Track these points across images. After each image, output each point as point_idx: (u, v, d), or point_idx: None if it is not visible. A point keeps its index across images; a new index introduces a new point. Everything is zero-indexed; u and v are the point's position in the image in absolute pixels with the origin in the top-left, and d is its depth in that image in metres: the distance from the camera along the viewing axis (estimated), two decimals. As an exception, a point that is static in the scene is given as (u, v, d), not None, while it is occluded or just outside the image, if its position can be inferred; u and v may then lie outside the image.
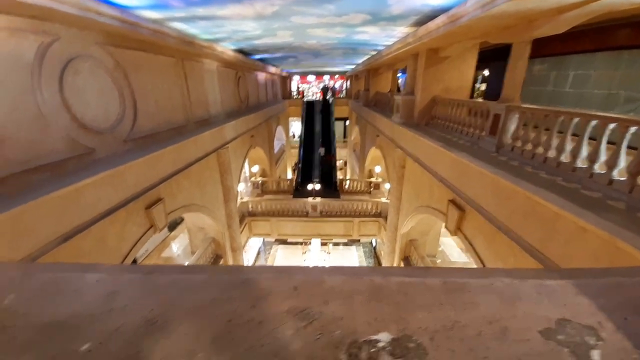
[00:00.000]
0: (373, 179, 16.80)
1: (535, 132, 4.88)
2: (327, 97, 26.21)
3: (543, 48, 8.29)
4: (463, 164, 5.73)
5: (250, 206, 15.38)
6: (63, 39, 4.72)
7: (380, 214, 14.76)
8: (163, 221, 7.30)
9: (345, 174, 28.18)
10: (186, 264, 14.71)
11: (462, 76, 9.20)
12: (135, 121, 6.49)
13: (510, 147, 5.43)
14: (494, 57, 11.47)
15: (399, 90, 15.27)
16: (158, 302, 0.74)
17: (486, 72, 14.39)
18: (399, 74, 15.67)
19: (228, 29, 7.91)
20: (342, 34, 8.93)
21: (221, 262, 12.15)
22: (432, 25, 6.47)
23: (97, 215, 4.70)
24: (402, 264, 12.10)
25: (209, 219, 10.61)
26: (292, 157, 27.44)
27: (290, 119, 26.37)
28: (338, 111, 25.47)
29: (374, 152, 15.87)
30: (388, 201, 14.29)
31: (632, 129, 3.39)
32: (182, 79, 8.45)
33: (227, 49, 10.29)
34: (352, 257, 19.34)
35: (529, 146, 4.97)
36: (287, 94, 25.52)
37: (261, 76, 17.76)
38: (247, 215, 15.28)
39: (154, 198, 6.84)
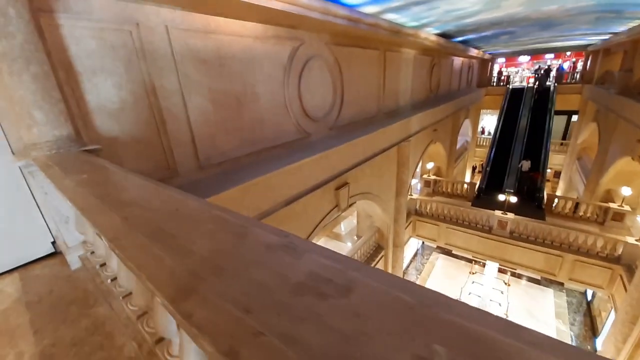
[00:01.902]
0: (613, 205, 11.29)
1: None
2: (546, 83, 19.35)
3: None
4: None
5: (418, 204, 14.50)
6: (306, 43, 5.71)
7: (618, 260, 9.78)
8: (345, 203, 7.97)
9: (555, 190, 20.83)
10: (349, 244, 16.11)
11: None
12: (340, 111, 7.22)
13: None
14: None
15: None
16: None
17: None
18: None
19: (439, 11, 7.17)
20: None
21: (381, 254, 12.29)
22: None
23: (308, 188, 5.60)
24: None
25: (379, 209, 10.79)
26: (477, 157, 23.27)
27: (482, 111, 22.20)
28: (559, 102, 18.71)
29: (625, 165, 10.51)
30: (644, 244, 9.21)
31: None
32: (381, 70, 8.65)
33: (429, 34, 9.59)
34: (546, 304, 14.22)
35: None
36: (485, 81, 21.27)
37: (457, 61, 15.75)
38: (414, 214, 14.52)
39: (342, 181, 7.54)
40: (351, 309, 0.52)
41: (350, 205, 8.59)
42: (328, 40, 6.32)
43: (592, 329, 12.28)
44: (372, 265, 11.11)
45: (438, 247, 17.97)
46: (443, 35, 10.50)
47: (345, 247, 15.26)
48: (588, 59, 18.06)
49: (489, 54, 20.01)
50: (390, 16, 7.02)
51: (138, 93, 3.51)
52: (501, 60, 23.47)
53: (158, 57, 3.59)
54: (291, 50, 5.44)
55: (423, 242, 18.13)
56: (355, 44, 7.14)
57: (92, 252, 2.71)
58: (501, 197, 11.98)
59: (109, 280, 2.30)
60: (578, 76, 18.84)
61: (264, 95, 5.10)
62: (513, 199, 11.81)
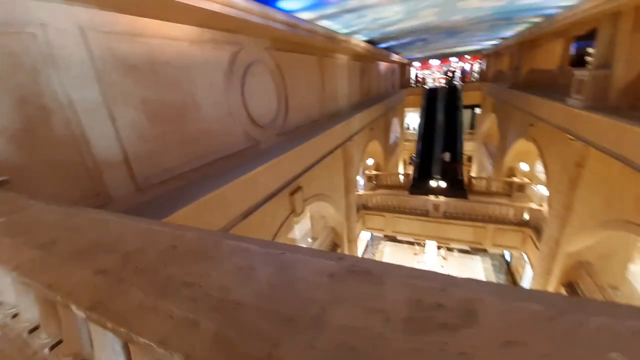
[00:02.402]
0: (515, 179, 13.76)
1: None
2: (453, 83, 22.83)
3: None
4: None
5: (365, 199, 15.30)
6: (245, 48, 5.45)
7: (526, 223, 11.95)
8: (301, 207, 7.89)
9: (468, 172, 24.48)
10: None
11: None
12: (286, 116, 7.12)
13: None
14: None
15: (575, 64, 11.57)
16: None
17: None
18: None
19: (367, 19, 7.70)
20: (503, 1, 7.31)
21: (338, 251, 12.59)
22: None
23: (264, 197, 5.34)
24: (562, 292, 9.50)
25: (332, 208, 11.02)
26: (406, 150, 25.84)
27: (406, 109, 24.78)
28: (465, 98, 22.08)
29: (521, 146, 12.90)
30: (542, 208, 11.40)
31: None
32: (320, 75, 8.84)
33: (359, 41, 10.22)
34: (476, 269, 16.60)
35: None
36: (405, 83, 23.82)
37: (382, 66, 17.16)
38: (362, 209, 15.26)
39: (296, 186, 7.44)
40: (495, 336, 0.46)
41: (304, 209, 8.59)
42: (268, 46, 6.16)
43: (513, 283, 14.76)
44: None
45: (385, 236, 19.27)
46: (370, 42, 11.31)
47: (301, 252, 15.14)
48: (484, 61, 21.76)
49: (407, 58, 22.44)
50: (325, 23, 7.24)
51: (50, 108, 2.84)
52: (417, 64, 26.60)
53: (73, 63, 2.97)
54: (231, 55, 5.13)
55: (372, 234, 19.19)
56: (294, 50, 7.13)
57: (15, 316, 2.05)
58: (432, 184, 13.49)
59: (47, 350, 1.77)
60: (477, 76, 22.61)
61: (207, 104, 4.69)
62: (442, 184, 13.42)
